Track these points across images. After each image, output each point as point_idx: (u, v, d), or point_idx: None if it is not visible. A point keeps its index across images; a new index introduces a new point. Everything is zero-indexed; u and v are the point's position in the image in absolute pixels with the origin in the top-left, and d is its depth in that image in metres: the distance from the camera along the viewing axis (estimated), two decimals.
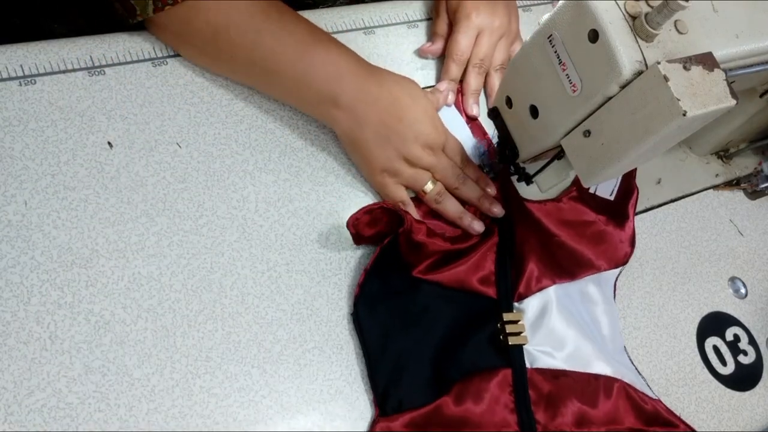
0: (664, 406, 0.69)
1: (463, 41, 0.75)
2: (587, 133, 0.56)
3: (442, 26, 0.78)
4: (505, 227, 0.70)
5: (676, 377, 0.72)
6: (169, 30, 0.67)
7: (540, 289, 0.69)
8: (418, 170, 0.68)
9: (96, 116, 0.64)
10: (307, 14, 0.76)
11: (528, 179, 0.68)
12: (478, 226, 0.69)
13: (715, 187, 0.88)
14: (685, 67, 0.51)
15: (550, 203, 0.73)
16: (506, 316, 0.66)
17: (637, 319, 0.74)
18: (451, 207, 0.69)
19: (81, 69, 0.64)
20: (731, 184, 0.89)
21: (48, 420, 0.51)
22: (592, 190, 0.76)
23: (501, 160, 0.70)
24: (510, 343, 0.64)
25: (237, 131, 0.68)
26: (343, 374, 0.61)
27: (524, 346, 0.65)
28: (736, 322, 0.79)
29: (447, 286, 0.66)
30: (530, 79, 0.60)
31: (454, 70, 0.76)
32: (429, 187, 0.68)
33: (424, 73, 0.79)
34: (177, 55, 0.69)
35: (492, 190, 0.72)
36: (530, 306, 0.68)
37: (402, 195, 0.68)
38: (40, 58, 0.63)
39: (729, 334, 0.78)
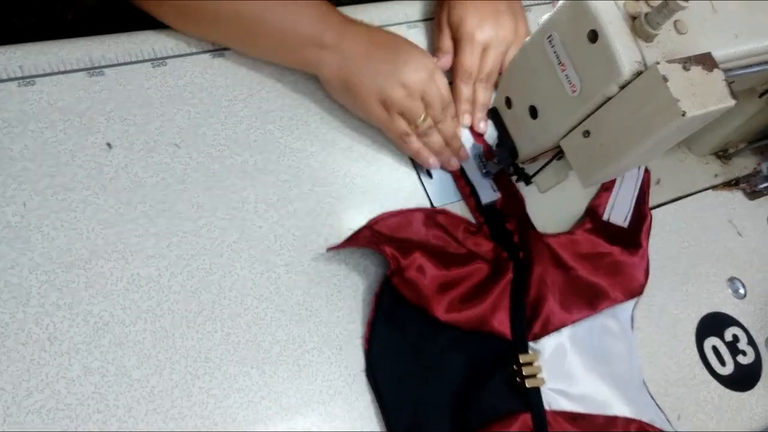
0: None
1: (469, 61, 0.74)
2: (587, 134, 0.56)
3: (446, 42, 0.76)
4: (521, 263, 0.69)
5: (675, 377, 0.72)
6: None
7: (556, 329, 0.67)
8: (415, 100, 0.67)
9: (95, 117, 0.63)
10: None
11: (527, 179, 0.68)
12: (454, 163, 0.72)
13: (715, 187, 0.88)
14: (684, 68, 0.51)
15: (563, 236, 0.73)
16: (522, 358, 0.64)
17: (636, 319, 0.74)
18: (436, 141, 0.70)
19: (80, 70, 0.64)
20: (730, 184, 0.89)
21: (47, 421, 0.51)
22: (605, 217, 0.76)
23: (500, 162, 0.70)
24: (527, 385, 0.63)
25: (236, 132, 0.68)
26: (342, 375, 0.61)
27: (541, 388, 0.64)
28: (735, 323, 0.79)
29: (464, 329, 0.64)
30: (530, 80, 0.60)
31: (465, 91, 0.75)
32: (422, 119, 0.68)
33: None
34: (176, 55, 0.69)
35: (461, 134, 0.74)
36: (546, 346, 0.67)
37: (404, 127, 0.68)
38: (39, 59, 0.63)
39: (728, 335, 0.78)
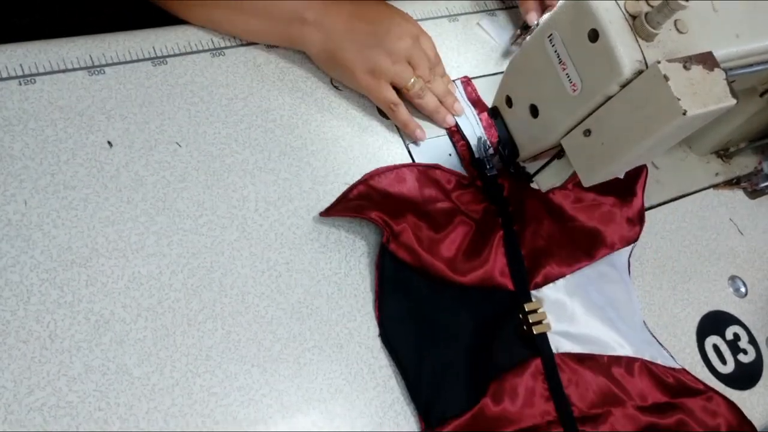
0: (689, 375, 0.70)
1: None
2: (587, 133, 0.56)
3: None
4: (511, 217, 0.71)
5: None
6: None
7: (556, 278, 0.69)
8: (401, 65, 0.69)
9: (96, 115, 0.64)
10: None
11: (528, 178, 0.68)
12: (450, 119, 0.74)
13: (715, 186, 0.88)
14: (685, 67, 0.51)
15: (558, 191, 0.74)
16: (527, 306, 0.66)
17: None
18: (430, 101, 0.72)
19: (81, 68, 0.64)
20: (731, 183, 0.89)
21: (48, 419, 0.51)
22: None
23: (500, 161, 0.70)
24: (535, 332, 0.65)
25: (237, 130, 0.68)
26: (343, 373, 0.61)
27: (548, 333, 0.66)
28: (736, 321, 0.79)
29: (468, 285, 0.66)
30: (530, 79, 0.60)
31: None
32: (412, 81, 0.70)
33: None
34: (177, 54, 0.69)
35: (453, 90, 0.76)
36: (548, 294, 0.69)
37: (392, 96, 0.71)
38: (39, 58, 0.63)
39: (729, 333, 0.78)
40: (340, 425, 0.59)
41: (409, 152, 0.73)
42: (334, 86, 0.74)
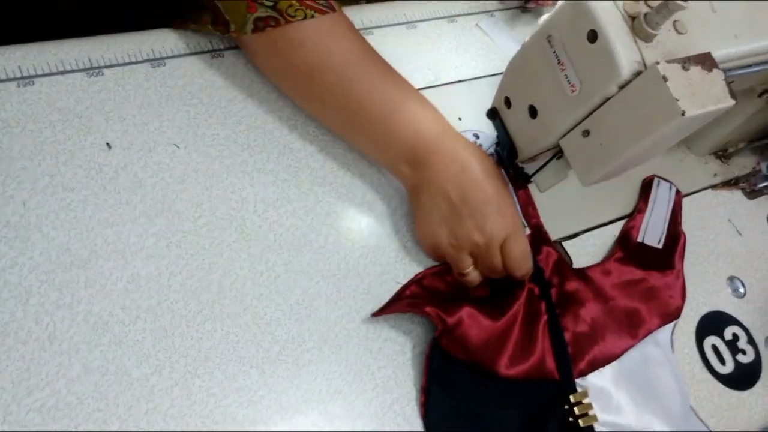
0: None
1: None
2: (586, 133, 0.56)
3: None
4: (549, 301, 0.68)
5: None
6: (263, 57, 0.67)
7: (601, 364, 0.67)
8: (463, 254, 0.64)
9: (94, 117, 0.63)
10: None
11: (527, 179, 0.68)
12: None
13: (714, 186, 0.88)
14: (684, 68, 0.51)
15: (596, 267, 0.73)
16: (573, 397, 0.64)
17: None
18: (474, 279, 0.66)
19: (79, 70, 0.64)
20: (730, 183, 0.89)
21: (47, 420, 0.51)
22: (640, 239, 0.76)
23: (500, 162, 0.70)
24: (582, 424, 0.63)
25: (235, 132, 0.68)
26: (342, 374, 0.61)
27: (594, 425, 0.64)
28: (734, 322, 0.79)
29: (516, 379, 0.63)
30: (529, 80, 0.60)
31: None
32: (469, 271, 0.65)
33: (422, 74, 0.79)
34: (175, 56, 0.69)
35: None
36: (594, 382, 0.66)
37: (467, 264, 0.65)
38: (38, 59, 0.63)
39: (728, 334, 0.78)
40: (340, 426, 0.59)
41: None
42: None
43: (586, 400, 0.64)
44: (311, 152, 0.70)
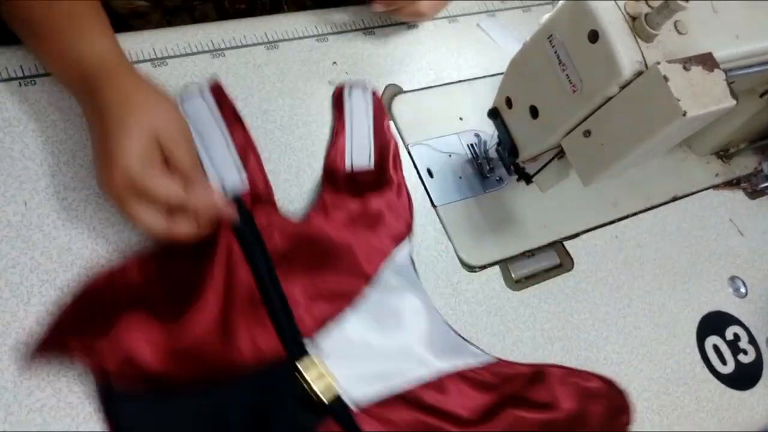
0: (504, 363, 0.64)
1: None
2: (587, 134, 0.56)
3: None
4: (263, 274, 0.58)
5: (676, 376, 0.72)
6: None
7: (334, 317, 0.60)
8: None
9: None
10: (311, 14, 0.77)
11: (528, 179, 0.68)
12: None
13: (715, 186, 0.88)
14: (685, 68, 0.51)
15: (311, 213, 0.64)
16: (302, 366, 0.56)
17: (637, 319, 0.74)
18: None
19: None
20: (731, 183, 0.89)
21: (48, 420, 0.51)
22: (348, 167, 0.67)
23: (501, 162, 0.70)
24: (319, 391, 0.56)
25: None
26: None
27: (337, 386, 0.57)
28: (736, 322, 0.79)
29: (232, 376, 0.55)
30: (530, 80, 0.60)
31: None
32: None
33: (423, 74, 0.79)
34: (177, 55, 0.69)
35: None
36: (327, 340, 0.59)
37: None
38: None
39: (729, 334, 0.78)
40: None
41: (409, 153, 0.73)
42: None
43: (320, 364, 0.57)
44: (313, 152, 0.70)
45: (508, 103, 0.64)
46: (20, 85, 0.62)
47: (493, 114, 0.67)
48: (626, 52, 0.51)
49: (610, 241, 0.78)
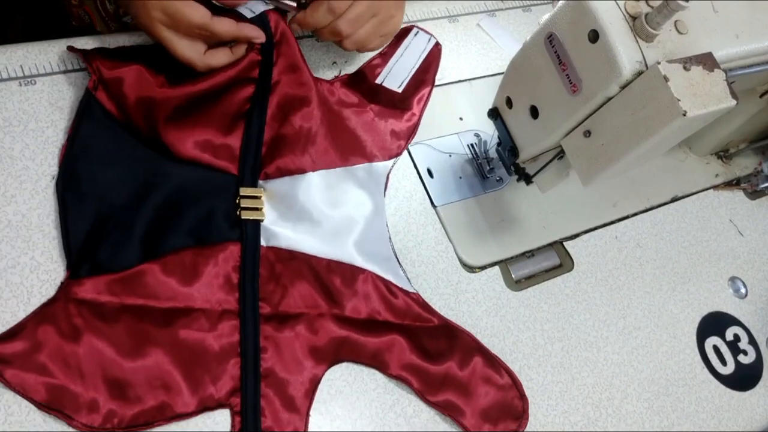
0: (422, 300, 0.65)
1: None
2: (587, 134, 0.56)
3: None
4: (262, 92, 0.65)
5: (676, 377, 0.72)
6: None
7: (295, 172, 0.65)
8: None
9: None
10: None
11: (528, 179, 0.68)
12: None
13: (715, 187, 0.88)
14: (685, 68, 0.51)
15: (327, 84, 0.70)
16: (244, 191, 0.62)
17: (637, 319, 0.74)
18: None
19: (81, 69, 0.64)
20: (731, 184, 0.89)
21: (48, 419, 0.51)
22: (379, 80, 0.73)
23: (501, 161, 0.70)
24: (243, 216, 0.61)
25: None
26: (343, 374, 0.61)
27: (263, 224, 0.62)
28: (736, 322, 0.79)
29: (180, 157, 0.61)
30: (530, 80, 0.60)
31: None
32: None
33: None
34: None
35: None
36: (276, 187, 0.64)
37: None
38: (39, 59, 0.63)
39: (729, 334, 0.78)
40: (341, 426, 0.59)
41: (409, 153, 0.73)
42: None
43: (261, 198, 0.62)
44: None
45: (508, 103, 0.64)
46: (20, 85, 0.62)
47: (493, 114, 0.67)
48: (626, 52, 0.51)
49: (610, 242, 0.78)
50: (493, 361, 0.64)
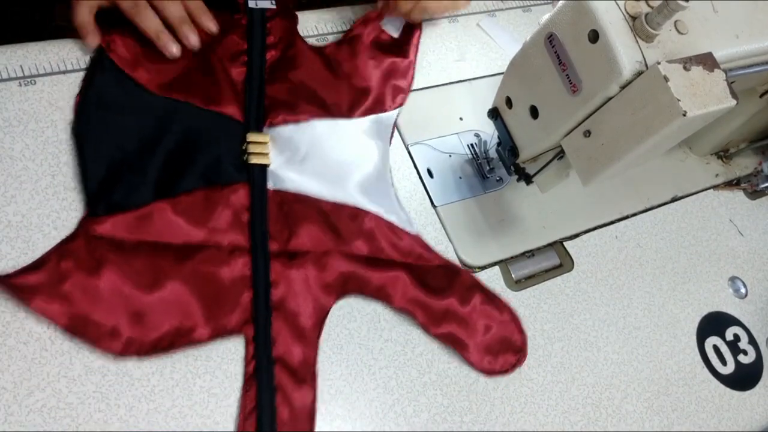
0: (422, 242, 0.68)
1: None
2: (587, 134, 0.56)
3: None
4: (258, 55, 0.69)
5: (676, 377, 0.72)
6: None
7: (300, 120, 0.68)
8: None
9: None
10: (315, 13, 0.77)
11: (528, 179, 0.68)
12: (175, 49, 0.65)
13: (715, 187, 0.88)
14: (685, 68, 0.51)
15: (335, 45, 0.74)
16: (251, 137, 0.65)
17: (637, 319, 0.74)
18: (148, 22, 0.63)
19: (81, 69, 0.64)
20: (731, 184, 0.89)
21: (48, 420, 0.51)
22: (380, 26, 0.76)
23: (500, 161, 0.70)
24: (250, 161, 0.64)
25: None
26: (343, 374, 0.61)
27: (270, 169, 0.64)
28: (736, 322, 0.79)
29: (186, 102, 0.64)
30: (530, 80, 0.60)
31: None
32: None
33: (423, 74, 0.79)
34: None
35: (210, 24, 0.67)
36: (281, 132, 0.67)
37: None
38: (39, 59, 0.63)
39: (729, 334, 0.78)
40: (341, 426, 0.59)
41: (409, 153, 0.73)
42: None
43: (267, 143, 0.65)
44: None
45: (508, 103, 0.64)
46: (20, 85, 0.62)
47: (493, 114, 0.67)
48: (626, 52, 0.51)
49: (610, 242, 0.78)
50: (493, 298, 0.67)
